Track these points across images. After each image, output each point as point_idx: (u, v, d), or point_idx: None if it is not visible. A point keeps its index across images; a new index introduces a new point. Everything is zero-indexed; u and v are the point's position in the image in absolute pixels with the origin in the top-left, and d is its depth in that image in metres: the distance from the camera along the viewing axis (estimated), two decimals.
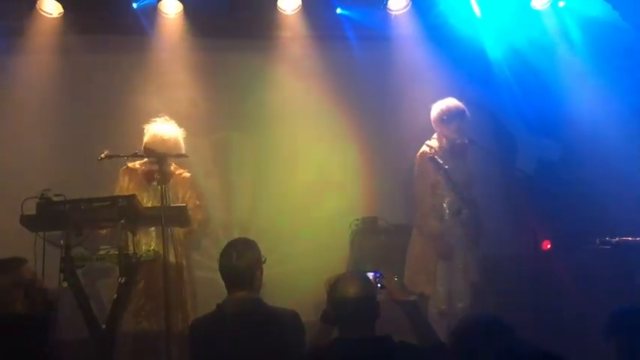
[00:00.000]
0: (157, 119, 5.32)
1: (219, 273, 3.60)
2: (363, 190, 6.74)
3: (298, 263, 6.68)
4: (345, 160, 6.74)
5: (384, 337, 3.06)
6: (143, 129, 5.26)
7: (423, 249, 5.54)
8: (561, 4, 6.33)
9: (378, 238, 6.33)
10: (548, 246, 6.08)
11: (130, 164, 5.35)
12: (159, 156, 4.73)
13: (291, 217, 6.72)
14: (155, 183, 5.18)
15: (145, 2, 6.03)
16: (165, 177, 4.69)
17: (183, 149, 5.22)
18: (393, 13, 6.12)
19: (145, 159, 5.26)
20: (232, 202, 6.70)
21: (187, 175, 5.38)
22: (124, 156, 4.97)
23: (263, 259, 3.64)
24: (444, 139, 5.54)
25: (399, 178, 6.33)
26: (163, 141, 5.15)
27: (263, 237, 6.39)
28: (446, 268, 5.46)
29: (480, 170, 5.76)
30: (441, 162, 5.34)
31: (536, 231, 6.08)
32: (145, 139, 5.20)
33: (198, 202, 5.38)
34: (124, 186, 5.27)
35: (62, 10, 5.78)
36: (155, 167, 5.14)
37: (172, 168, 5.34)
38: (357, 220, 6.48)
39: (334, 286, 3.13)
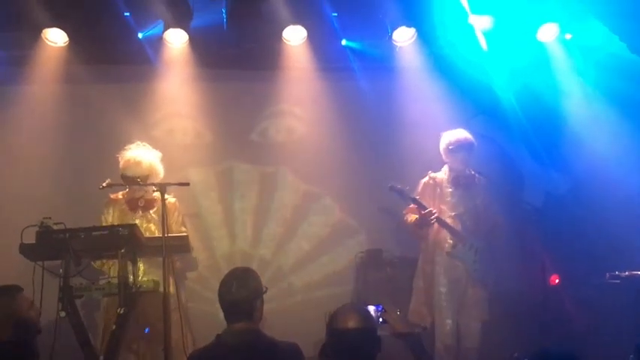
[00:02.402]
0: (130, 146, 5.25)
1: (218, 305, 3.52)
2: (368, 222, 6.68)
3: (301, 296, 6.61)
4: (349, 191, 6.68)
5: None
6: (119, 157, 5.19)
7: (428, 280, 5.45)
8: (568, 36, 6.30)
9: (383, 271, 6.25)
10: (557, 281, 5.97)
11: (112, 195, 5.29)
12: (160, 185, 4.67)
13: (294, 248, 6.66)
14: (140, 211, 5.17)
15: (150, 32, 6.04)
16: (165, 206, 4.61)
17: (160, 172, 5.16)
18: (399, 44, 6.10)
19: (127, 188, 5.21)
20: (235, 232, 6.64)
21: (172, 200, 5.30)
22: (125, 185, 4.96)
23: (264, 289, 3.55)
24: (451, 171, 5.50)
25: (404, 210, 6.26)
26: (137, 164, 5.08)
27: (265, 269, 6.42)
28: (452, 302, 5.36)
29: (490, 204, 5.68)
30: (424, 204, 5.37)
31: (544, 266, 5.98)
32: (120, 165, 5.13)
33: (184, 229, 5.27)
34: (109, 218, 5.20)
35: (67, 40, 5.78)
36: (137, 195, 5.19)
37: (157, 195, 5.25)
38: (362, 252, 6.41)
39: (333, 318, 3.03)
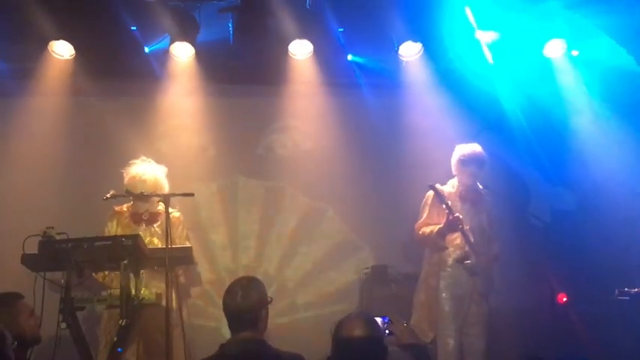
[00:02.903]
0: (136, 161, 5.24)
1: (222, 321, 3.46)
2: (373, 238, 6.62)
3: (305, 313, 6.54)
4: (354, 206, 6.63)
5: None
6: (124, 172, 5.19)
7: (432, 294, 5.38)
8: (575, 53, 6.29)
9: (388, 287, 6.18)
10: (565, 299, 5.89)
11: (117, 208, 5.28)
12: (164, 196, 4.65)
13: (298, 264, 6.60)
14: (144, 225, 5.15)
15: (156, 46, 6.05)
16: (169, 217, 4.58)
17: (165, 187, 5.12)
18: (405, 59, 6.09)
19: (131, 201, 5.19)
20: (239, 248, 6.59)
21: (177, 214, 5.27)
22: (129, 196, 4.93)
23: (269, 299, 3.49)
24: (460, 185, 5.45)
25: (410, 226, 6.20)
26: (142, 181, 5.07)
27: (269, 285, 6.29)
28: (454, 319, 5.29)
29: (494, 218, 5.62)
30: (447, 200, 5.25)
31: (552, 283, 5.91)
32: (125, 181, 5.12)
33: (188, 243, 5.23)
34: (112, 230, 5.17)
35: (74, 52, 5.79)
36: (142, 209, 5.16)
37: (161, 208, 5.22)
38: (367, 268, 6.35)
39: (339, 326, 2.98)
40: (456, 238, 5.35)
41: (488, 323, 5.39)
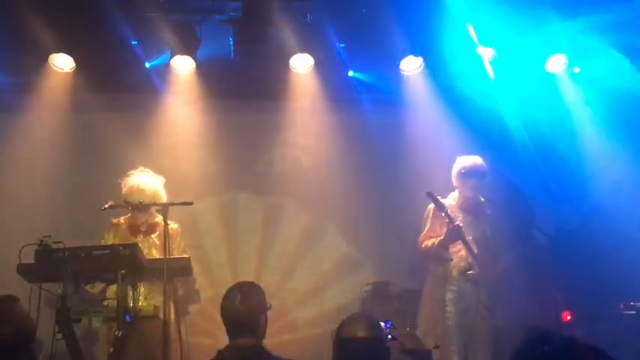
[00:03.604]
0: (134, 171, 5.20)
1: (219, 339, 3.38)
2: (374, 254, 6.56)
3: (306, 330, 6.44)
4: (355, 222, 6.57)
5: None
6: (122, 183, 5.14)
7: (433, 309, 5.33)
8: (576, 70, 6.29)
9: (390, 304, 6.09)
10: (569, 317, 5.80)
11: (114, 220, 5.23)
12: (163, 205, 4.60)
13: (298, 281, 6.52)
14: (141, 236, 5.10)
15: (157, 62, 6.05)
16: (167, 227, 4.51)
17: (163, 197, 5.05)
18: (406, 73, 6.08)
19: (129, 213, 5.14)
20: (239, 263, 6.52)
21: (175, 226, 5.20)
22: (127, 206, 4.88)
23: (268, 305, 3.42)
24: (461, 197, 5.40)
25: (411, 242, 6.14)
26: (140, 191, 5.02)
27: (270, 302, 6.23)
28: (459, 333, 5.21)
29: (497, 233, 5.56)
30: (453, 218, 5.19)
31: (556, 301, 5.82)
32: (123, 191, 5.07)
33: (187, 256, 5.16)
34: (109, 242, 5.07)
35: (74, 66, 5.79)
36: (140, 220, 5.12)
37: (158, 219, 5.17)
38: (368, 284, 6.26)
39: (341, 327, 2.91)
40: (460, 250, 5.29)
41: (494, 338, 5.29)
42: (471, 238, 5.29)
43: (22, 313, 3.72)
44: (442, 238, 5.22)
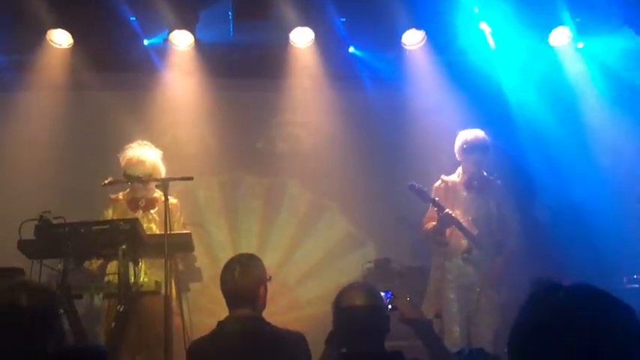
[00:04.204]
0: (132, 145, 5.16)
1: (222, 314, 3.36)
2: (376, 232, 6.53)
3: (308, 309, 6.42)
4: (356, 201, 6.54)
5: (394, 354, 2.79)
6: (120, 157, 5.11)
7: (436, 288, 5.35)
8: (580, 45, 6.22)
9: (391, 282, 6.05)
10: None
11: (113, 196, 5.20)
12: (163, 180, 4.57)
13: (300, 260, 6.49)
14: (141, 211, 5.06)
15: (156, 40, 5.98)
16: (167, 202, 4.49)
17: (162, 171, 5.03)
18: (408, 47, 6.02)
19: (128, 189, 5.11)
20: (240, 243, 6.47)
21: (174, 201, 5.16)
22: (127, 180, 4.84)
23: (268, 277, 3.41)
24: (465, 173, 5.36)
25: (413, 219, 6.11)
26: (140, 163, 4.98)
27: (271, 283, 6.20)
28: (461, 309, 5.20)
29: (501, 206, 5.52)
30: (442, 204, 5.21)
31: (560, 277, 5.79)
32: (122, 164, 5.03)
33: (188, 232, 5.13)
34: (109, 218, 5.03)
35: (72, 42, 5.73)
36: (139, 195, 5.08)
37: (157, 195, 5.14)
38: (370, 262, 6.23)
39: (339, 297, 2.89)
40: (457, 233, 5.28)
41: (499, 316, 5.26)
42: (470, 218, 5.29)
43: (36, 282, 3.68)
44: (436, 224, 5.24)
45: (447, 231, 5.33)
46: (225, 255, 6.28)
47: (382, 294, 3.11)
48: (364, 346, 2.78)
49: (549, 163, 6.47)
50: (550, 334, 1.42)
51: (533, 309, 1.50)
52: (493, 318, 5.23)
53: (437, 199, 5.27)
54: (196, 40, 5.78)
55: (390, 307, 3.09)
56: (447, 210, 5.17)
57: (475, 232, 5.29)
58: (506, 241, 5.43)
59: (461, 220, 5.26)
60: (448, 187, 5.40)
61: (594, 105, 6.29)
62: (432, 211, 5.41)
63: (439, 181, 5.45)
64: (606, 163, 6.11)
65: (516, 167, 6.49)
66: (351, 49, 6.29)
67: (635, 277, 5.00)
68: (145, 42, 5.97)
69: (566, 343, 1.40)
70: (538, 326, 1.46)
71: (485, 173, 5.42)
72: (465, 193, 5.36)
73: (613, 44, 6.12)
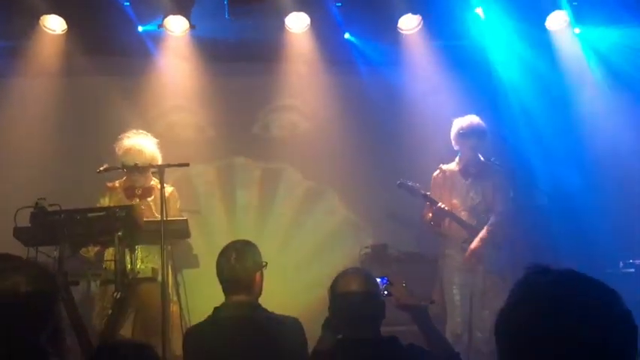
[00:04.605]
0: (128, 133, 5.14)
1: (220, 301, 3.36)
2: (373, 218, 6.52)
3: (305, 294, 6.41)
4: (353, 186, 6.52)
5: (390, 339, 2.79)
6: (116, 146, 5.10)
7: (439, 274, 5.38)
8: (576, 30, 6.19)
9: (389, 267, 6.03)
10: None
11: (109, 184, 5.19)
12: (159, 167, 4.56)
13: (298, 245, 6.48)
14: (137, 199, 5.05)
15: (150, 27, 5.94)
16: (164, 189, 4.48)
17: (159, 160, 5.02)
18: (404, 32, 5.99)
19: (124, 176, 5.09)
20: (236, 230, 6.44)
21: (170, 189, 5.16)
22: (122, 168, 4.83)
23: (264, 263, 3.41)
24: (462, 160, 5.36)
25: (410, 205, 6.11)
26: (139, 152, 4.98)
27: (269, 269, 6.19)
28: (464, 295, 5.23)
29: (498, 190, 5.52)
30: (435, 199, 5.25)
31: (556, 261, 5.79)
32: (120, 153, 5.02)
33: (184, 218, 5.11)
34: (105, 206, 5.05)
35: (66, 27, 5.69)
36: (137, 182, 5.09)
37: (154, 183, 5.13)
38: (367, 247, 6.22)
39: (335, 281, 2.89)
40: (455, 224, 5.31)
41: (503, 299, 5.25)
42: (469, 206, 5.31)
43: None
44: (428, 220, 5.30)
45: (446, 221, 5.34)
46: (222, 241, 6.26)
47: (378, 280, 3.11)
48: (360, 331, 2.79)
49: (544, 149, 6.46)
50: (536, 318, 1.43)
51: (521, 293, 1.51)
52: (497, 303, 5.23)
53: (429, 193, 5.32)
54: (191, 26, 5.72)
55: (385, 292, 3.10)
56: (439, 204, 5.20)
57: (473, 221, 5.31)
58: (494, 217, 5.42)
59: (459, 209, 5.29)
60: (446, 176, 5.41)
61: (591, 91, 6.27)
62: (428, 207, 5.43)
63: (437, 171, 5.46)
64: (602, 149, 6.09)
65: (512, 152, 6.48)
66: (347, 36, 6.25)
67: (630, 261, 5.00)
68: (140, 28, 5.93)
69: (552, 326, 1.40)
70: (524, 310, 1.46)
71: (482, 158, 5.40)
72: (462, 181, 5.37)
73: (610, 29, 6.10)
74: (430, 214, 5.36)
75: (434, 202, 5.22)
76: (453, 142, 5.41)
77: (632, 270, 5.00)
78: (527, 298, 1.49)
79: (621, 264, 5.07)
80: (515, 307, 1.50)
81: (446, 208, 5.25)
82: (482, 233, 5.26)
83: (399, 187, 5.32)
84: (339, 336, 2.88)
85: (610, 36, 6.17)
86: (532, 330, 1.42)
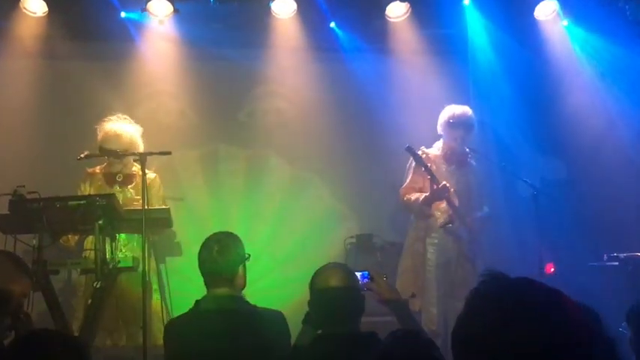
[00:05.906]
0: (111, 118, 5.06)
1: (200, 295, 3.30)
2: (358, 207, 6.47)
3: (289, 285, 6.36)
4: (339, 175, 6.46)
5: (369, 334, 2.76)
6: (98, 129, 5.03)
7: (414, 262, 5.30)
8: (564, 22, 6.16)
9: (374, 256, 6.03)
10: (552, 269, 5.78)
11: (89, 169, 5.11)
12: (140, 155, 4.47)
13: (282, 235, 6.41)
14: (118, 186, 4.98)
15: (134, 13, 5.82)
16: (145, 176, 4.40)
17: (140, 146, 4.95)
18: (392, 20, 5.93)
19: (105, 162, 5.02)
20: (222, 218, 6.36)
21: (152, 175, 5.09)
22: (103, 155, 4.75)
23: (247, 256, 3.35)
24: (445, 147, 5.30)
25: (396, 195, 6.07)
26: (117, 136, 4.89)
27: (256, 259, 6.12)
28: (439, 287, 5.19)
29: (481, 184, 5.50)
30: (429, 164, 5.11)
31: (541, 254, 5.79)
32: (99, 137, 4.94)
33: (166, 207, 5.04)
34: (85, 193, 4.95)
35: (47, 10, 5.57)
36: (115, 169, 5.00)
37: (135, 169, 5.05)
38: (352, 237, 6.18)
39: (315, 277, 2.86)
40: (442, 203, 5.23)
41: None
42: (453, 190, 5.21)
43: None
44: (427, 196, 5.16)
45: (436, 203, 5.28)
46: (206, 229, 6.21)
47: (358, 274, 3.08)
48: (339, 327, 2.77)
49: (530, 139, 6.44)
50: (489, 328, 1.41)
51: (474, 302, 1.50)
52: (466, 292, 5.21)
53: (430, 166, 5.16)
54: (175, 10, 5.61)
55: (365, 289, 3.07)
56: (442, 182, 5.06)
57: (457, 203, 5.26)
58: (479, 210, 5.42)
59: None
60: (429, 159, 5.32)
61: (582, 81, 6.25)
62: (411, 181, 5.36)
63: (419, 152, 5.32)
64: (588, 141, 6.08)
65: (497, 143, 6.46)
66: (332, 25, 6.17)
67: (614, 254, 5.00)
68: (123, 14, 5.82)
69: (505, 336, 1.39)
70: (477, 321, 1.45)
71: (467, 149, 5.36)
72: (445, 166, 5.31)
73: (600, 19, 6.06)
74: (416, 194, 5.26)
75: (436, 180, 5.07)
76: (440, 128, 5.36)
77: (617, 263, 4.98)
78: (480, 308, 1.48)
79: (605, 257, 5.06)
80: (468, 317, 1.49)
81: (452, 189, 5.13)
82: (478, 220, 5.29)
83: (406, 150, 5.13)
84: (319, 331, 2.84)
85: (600, 25, 6.13)
86: (485, 340, 1.41)
